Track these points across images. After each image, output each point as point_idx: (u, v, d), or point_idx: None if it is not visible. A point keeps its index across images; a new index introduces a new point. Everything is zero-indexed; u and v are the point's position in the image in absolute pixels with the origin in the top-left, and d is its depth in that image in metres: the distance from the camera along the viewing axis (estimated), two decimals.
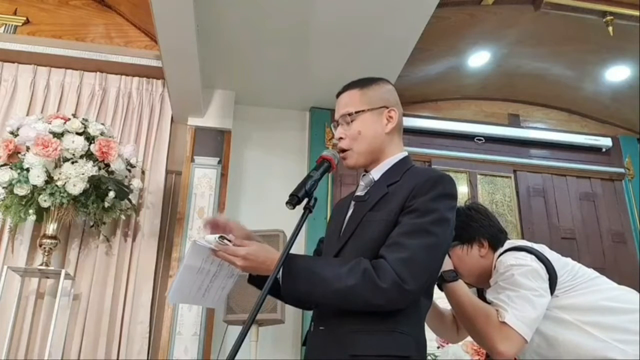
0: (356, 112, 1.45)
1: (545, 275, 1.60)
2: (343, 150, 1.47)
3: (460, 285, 1.65)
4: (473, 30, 3.43)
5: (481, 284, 1.83)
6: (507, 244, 1.77)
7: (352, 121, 1.45)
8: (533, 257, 1.63)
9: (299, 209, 1.31)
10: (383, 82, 1.53)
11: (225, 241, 1.31)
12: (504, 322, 1.51)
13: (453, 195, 1.35)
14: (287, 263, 1.26)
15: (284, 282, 1.26)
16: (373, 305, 1.23)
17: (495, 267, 1.71)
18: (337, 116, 1.50)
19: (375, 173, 1.46)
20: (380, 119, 1.46)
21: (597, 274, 1.72)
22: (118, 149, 2.81)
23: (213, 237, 1.31)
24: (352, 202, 1.49)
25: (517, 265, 1.61)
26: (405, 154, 1.50)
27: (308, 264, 1.29)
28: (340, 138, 1.47)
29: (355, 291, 1.22)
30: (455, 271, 1.68)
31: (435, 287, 1.47)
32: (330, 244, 1.48)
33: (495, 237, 1.78)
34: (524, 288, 1.55)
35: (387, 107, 1.47)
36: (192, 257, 1.33)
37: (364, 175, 1.50)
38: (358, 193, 1.49)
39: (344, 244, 1.38)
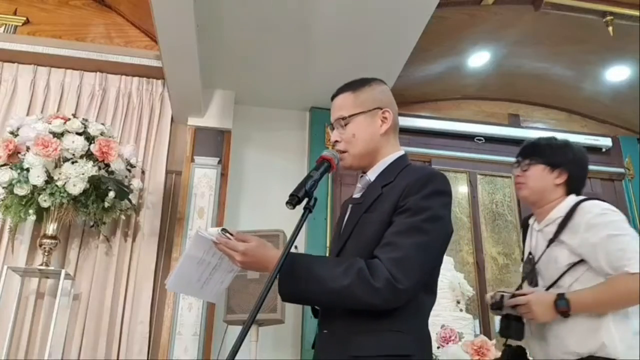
0: (350, 116, 1.46)
1: None
2: (340, 152, 1.48)
3: (578, 298, 1.66)
4: (473, 30, 3.43)
5: (529, 203, 1.93)
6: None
7: (346, 124, 1.46)
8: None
9: (299, 209, 1.31)
10: (376, 83, 1.52)
11: (227, 234, 1.33)
12: (635, 273, 1.57)
13: (446, 192, 1.36)
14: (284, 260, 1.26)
15: (281, 279, 1.27)
16: (368, 305, 1.24)
17: (573, 209, 1.76)
18: (332, 119, 1.52)
19: (372, 174, 1.48)
20: (375, 120, 1.47)
21: None
22: (118, 149, 2.80)
23: (216, 230, 1.34)
24: (350, 205, 1.51)
25: (613, 211, 1.74)
26: (401, 153, 1.50)
27: (305, 263, 1.30)
28: (337, 141, 1.48)
29: (350, 291, 1.23)
30: (562, 298, 1.67)
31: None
32: (333, 246, 1.51)
33: (575, 180, 1.87)
34: (627, 231, 1.68)
35: (381, 108, 1.48)
36: (194, 247, 1.36)
37: (361, 176, 1.51)
38: (355, 195, 1.51)
39: (342, 246, 1.41)
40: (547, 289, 1.76)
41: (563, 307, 1.65)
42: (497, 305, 1.81)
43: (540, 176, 1.87)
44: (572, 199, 1.83)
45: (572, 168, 1.87)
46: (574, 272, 1.72)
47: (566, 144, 1.92)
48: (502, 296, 1.80)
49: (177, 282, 1.39)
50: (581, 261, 1.71)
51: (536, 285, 1.84)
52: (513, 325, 1.78)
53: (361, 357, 1.25)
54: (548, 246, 1.79)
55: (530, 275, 1.86)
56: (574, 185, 1.87)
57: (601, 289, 1.64)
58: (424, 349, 1.32)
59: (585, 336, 1.65)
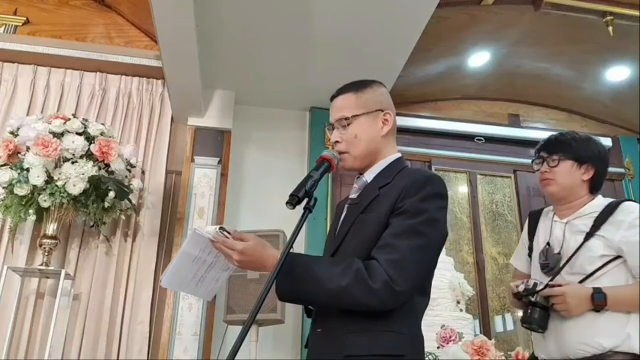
0: (352, 116, 1.46)
1: None
2: (341, 152, 1.48)
3: (614, 294, 1.68)
4: (473, 30, 3.43)
5: (556, 199, 1.91)
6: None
7: (348, 125, 1.46)
8: None
9: (299, 209, 1.31)
10: (377, 85, 1.53)
11: (225, 233, 1.33)
12: None
13: (442, 195, 1.37)
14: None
15: (279, 278, 1.27)
16: (365, 306, 1.25)
17: (613, 207, 1.78)
18: (332, 120, 1.51)
19: (369, 175, 1.48)
20: (376, 122, 1.47)
21: None
22: (118, 149, 2.80)
23: (213, 228, 1.34)
24: (346, 205, 1.51)
25: None
26: (399, 155, 1.50)
27: (304, 262, 1.31)
28: (337, 142, 1.48)
29: (348, 291, 1.24)
30: (600, 292, 1.68)
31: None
32: (328, 245, 1.51)
33: (600, 176, 1.89)
34: None
35: (382, 110, 1.48)
36: (190, 245, 1.35)
37: (357, 177, 1.51)
38: (351, 196, 1.51)
39: (337, 246, 1.41)
40: (582, 281, 1.75)
41: (600, 301, 1.66)
42: (530, 292, 1.76)
43: (569, 172, 1.87)
44: (605, 198, 1.86)
45: (598, 164, 1.88)
46: (606, 265, 1.73)
47: (589, 139, 1.92)
48: (536, 284, 1.77)
49: (171, 278, 1.39)
50: (616, 257, 1.73)
51: (556, 274, 1.82)
52: (538, 313, 1.76)
53: (354, 357, 1.26)
54: (586, 239, 1.77)
55: (551, 263, 1.85)
56: (598, 182, 1.89)
57: (636, 288, 1.67)
58: (416, 350, 1.32)
59: (610, 329, 1.66)
